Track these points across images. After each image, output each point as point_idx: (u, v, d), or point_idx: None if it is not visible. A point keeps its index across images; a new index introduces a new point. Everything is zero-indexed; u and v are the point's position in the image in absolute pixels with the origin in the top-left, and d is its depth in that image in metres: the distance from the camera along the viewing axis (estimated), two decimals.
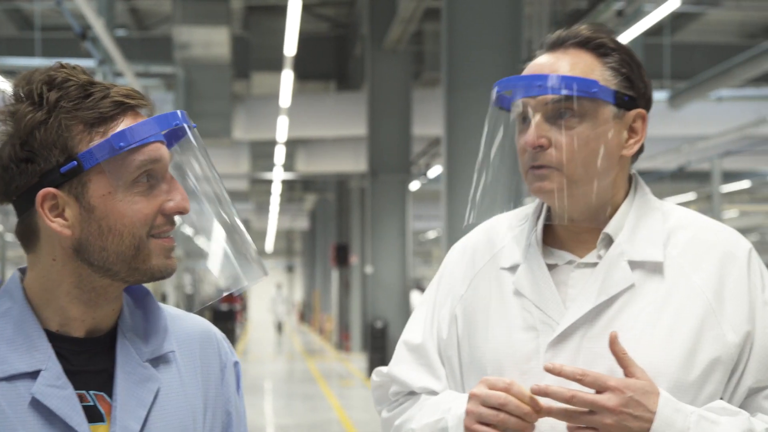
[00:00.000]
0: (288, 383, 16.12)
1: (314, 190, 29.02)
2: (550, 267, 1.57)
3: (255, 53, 17.97)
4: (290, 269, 53.35)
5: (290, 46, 11.91)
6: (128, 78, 10.78)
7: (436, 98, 9.06)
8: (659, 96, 14.85)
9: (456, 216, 8.63)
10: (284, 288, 40.83)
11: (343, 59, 20.00)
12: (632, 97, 1.55)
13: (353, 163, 19.41)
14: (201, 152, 1.37)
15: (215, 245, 1.38)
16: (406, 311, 16.20)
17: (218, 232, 1.38)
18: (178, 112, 1.34)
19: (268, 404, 13.08)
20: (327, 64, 19.93)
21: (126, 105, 1.31)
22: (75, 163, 1.28)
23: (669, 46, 14.84)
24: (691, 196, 17.51)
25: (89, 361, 1.34)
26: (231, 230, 1.38)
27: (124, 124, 1.31)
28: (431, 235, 31.38)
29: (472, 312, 1.62)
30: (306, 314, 39.52)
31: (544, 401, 1.44)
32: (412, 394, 1.67)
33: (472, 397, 1.47)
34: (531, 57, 1.62)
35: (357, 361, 19.04)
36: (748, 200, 19.83)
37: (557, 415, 1.44)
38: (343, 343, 22.74)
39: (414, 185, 18.56)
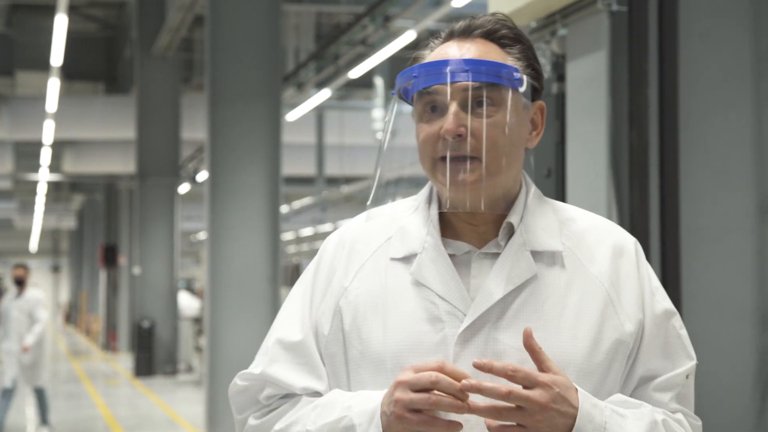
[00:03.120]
0: (51, 383, 16.06)
1: (82, 190, 28.58)
2: (449, 257, 1.51)
3: (19, 52, 17.74)
4: (56, 269, 51.69)
5: (57, 55, 12.05)
6: None
7: (206, 103, 9.61)
8: None
9: (219, 220, 9.25)
10: (41, 289, 39.54)
11: (112, 61, 20.04)
12: (536, 89, 1.53)
13: (122, 165, 19.50)
14: None
15: None
16: (173, 311, 16.60)
17: None
18: None
19: (28, 403, 13.11)
20: (95, 66, 19.90)
21: None
22: None
23: None
24: None
25: None
26: None
27: None
28: (202, 236, 31.60)
29: (362, 305, 1.52)
30: (72, 315, 38.60)
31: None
32: (287, 397, 1.56)
33: (400, 384, 1.38)
34: (427, 45, 1.55)
35: (124, 360, 19.16)
36: None
37: (484, 412, 1.37)
38: (110, 344, 22.69)
39: (183, 188, 18.93)
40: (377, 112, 13.09)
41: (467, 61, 1.45)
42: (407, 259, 1.53)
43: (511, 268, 1.48)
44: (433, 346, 1.46)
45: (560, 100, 3.42)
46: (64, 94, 16.70)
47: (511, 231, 1.52)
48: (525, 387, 1.37)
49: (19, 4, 17.49)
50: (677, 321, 1.56)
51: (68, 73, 18.23)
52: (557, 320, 1.47)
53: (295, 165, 18.02)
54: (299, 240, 28.90)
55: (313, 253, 32.38)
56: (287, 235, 27.78)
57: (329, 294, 1.56)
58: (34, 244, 43.91)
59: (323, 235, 27.07)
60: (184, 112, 16.30)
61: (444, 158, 1.46)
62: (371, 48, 9.66)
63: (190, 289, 24.52)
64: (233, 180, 9.30)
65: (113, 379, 16.05)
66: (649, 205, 3.18)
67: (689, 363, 1.54)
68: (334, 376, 1.54)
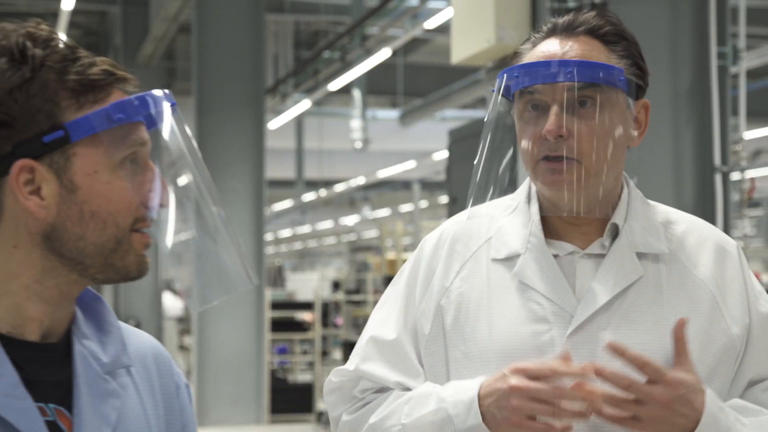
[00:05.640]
0: None
1: None
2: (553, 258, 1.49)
3: None
4: None
5: None
6: None
7: (188, 108, 10.06)
8: (392, 114, 16.48)
9: None
10: None
11: None
12: (641, 87, 1.50)
13: None
14: (186, 138, 1.22)
15: (197, 249, 1.24)
16: (158, 311, 17.11)
17: (201, 235, 1.24)
18: (167, 91, 1.17)
19: None
20: None
21: (116, 76, 1.14)
22: (62, 132, 1.09)
23: (401, 68, 16.45)
24: (423, 203, 19.30)
25: (45, 370, 1.13)
26: (215, 232, 1.24)
27: (114, 96, 1.13)
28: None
29: (464, 304, 1.51)
30: None
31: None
32: (381, 391, 1.55)
33: (515, 391, 1.36)
34: (528, 39, 1.54)
35: None
36: None
37: (602, 399, 1.35)
38: None
39: None
40: (355, 122, 13.68)
41: (571, 62, 1.43)
42: (509, 260, 1.51)
43: (618, 270, 1.46)
44: (540, 346, 1.45)
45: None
46: None
47: (615, 232, 1.50)
48: (651, 381, 1.36)
49: (5, 12, 17.92)
50: None
51: None
52: (665, 323, 1.43)
53: (274, 169, 18.55)
54: (278, 241, 29.37)
55: (293, 254, 32.77)
56: (267, 236, 28.25)
57: (429, 294, 1.55)
58: None
59: (302, 237, 27.52)
60: None
61: (545, 159, 1.44)
62: (348, 64, 10.19)
63: (171, 289, 24.98)
64: (219, 186, 9.64)
65: None
66: None
67: None
68: (432, 374, 1.53)
